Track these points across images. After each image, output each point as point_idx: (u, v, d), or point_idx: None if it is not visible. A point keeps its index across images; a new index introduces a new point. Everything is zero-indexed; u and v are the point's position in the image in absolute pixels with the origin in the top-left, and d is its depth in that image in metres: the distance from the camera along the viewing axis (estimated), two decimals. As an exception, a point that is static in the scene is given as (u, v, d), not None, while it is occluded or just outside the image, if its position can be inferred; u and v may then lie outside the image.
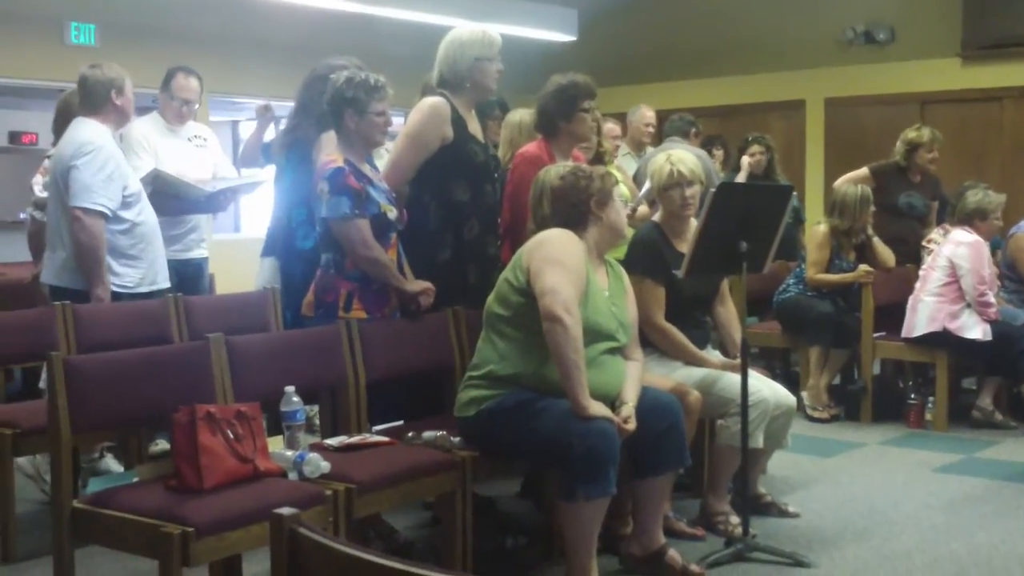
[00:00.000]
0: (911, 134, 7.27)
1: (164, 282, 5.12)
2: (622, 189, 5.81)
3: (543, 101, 4.73)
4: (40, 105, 5.74)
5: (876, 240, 6.85)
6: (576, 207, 3.99)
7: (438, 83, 4.60)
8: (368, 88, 4.15)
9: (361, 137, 4.21)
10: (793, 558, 4.18)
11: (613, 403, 3.86)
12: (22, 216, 7.56)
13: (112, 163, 4.77)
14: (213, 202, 5.65)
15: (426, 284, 4.33)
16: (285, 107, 6.29)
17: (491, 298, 4.00)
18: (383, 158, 5.19)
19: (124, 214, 4.86)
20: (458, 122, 4.52)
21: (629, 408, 3.83)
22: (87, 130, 4.83)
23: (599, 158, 5.31)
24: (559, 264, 3.79)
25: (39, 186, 5.76)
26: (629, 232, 5.40)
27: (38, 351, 4.51)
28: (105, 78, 4.86)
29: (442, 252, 4.53)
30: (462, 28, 4.63)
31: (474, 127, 4.64)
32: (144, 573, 3.87)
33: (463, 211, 4.52)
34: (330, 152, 4.27)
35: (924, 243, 6.98)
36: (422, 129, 4.48)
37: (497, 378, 3.87)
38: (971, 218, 6.53)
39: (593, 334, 3.83)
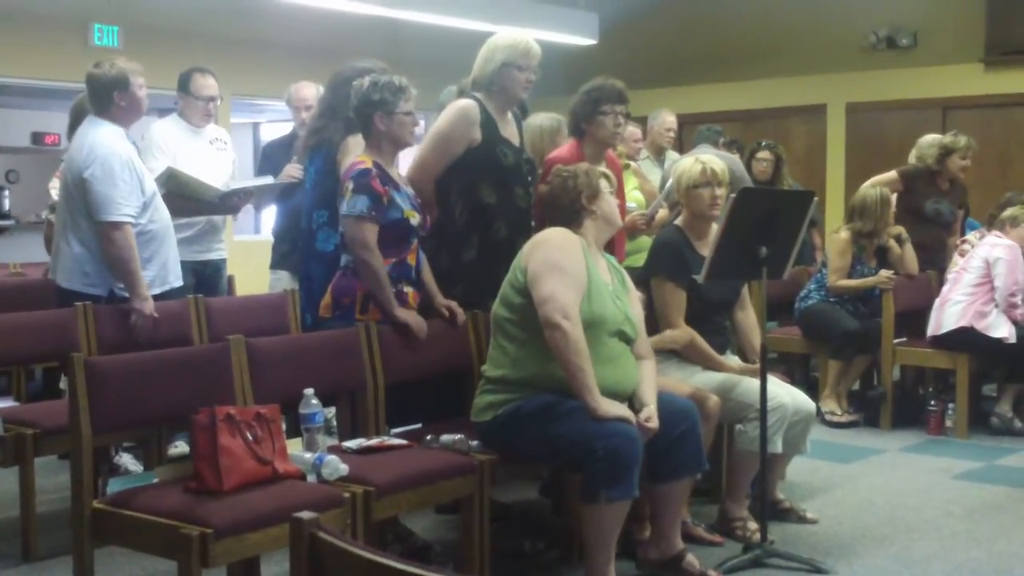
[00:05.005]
0: (946, 139, 7.24)
1: (176, 280, 5.06)
2: (636, 194, 5.84)
3: (573, 103, 4.76)
4: (63, 106, 5.79)
5: (908, 246, 6.85)
6: (569, 207, 4.02)
7: (472, 85, 4.63)
8: (394, 89, 4.18)
9: (391, 139, 4.22)
10: (811, 564, 4.16)
11: (629, 401, 3.87)
12: (43, 216, 7.60)
13: (127, 168, 4.71)
14: (226, 203, 5.65)
15: (415, 318, 4.26)
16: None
17: (496, 303, 4.02)
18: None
19: (137, 219, 4.77)
20: (488, 124, 4.53)
21: (651, 409, 3.84)
22: (97, 133, 4.74)
23: (615, 161, 5.30)
24: (556, 268, 3.81)
25: (56, 190, 5.78)
26: (646, 241, 5.42)
27: (59, 351, 4.55)
28: (107, 78, 4.77)
29: (467, 252, 4.54)
30: (503, 33, 4.65)
31: (509, 130, 4.64)
32: (163, 573, 3.89)
33: (489, 213, 4.53)
34: (358, 155, 4.29)
35: (959, 243, 6.96)
36: (449, 131, 4.51)
37: (511, 382, 3.88)
38: (1003, 224, 6.63)
39: (601, 327, 3.84)
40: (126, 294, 4.77)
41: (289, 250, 5.95)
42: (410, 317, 4.24)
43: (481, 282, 4.52)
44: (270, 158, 6.24)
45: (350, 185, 4.13)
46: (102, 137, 4.74)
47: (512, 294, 3.92)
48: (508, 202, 4.58)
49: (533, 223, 4.66)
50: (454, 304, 4.47)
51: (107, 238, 4.67)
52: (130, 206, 4.71)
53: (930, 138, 7.44)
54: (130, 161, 4.75)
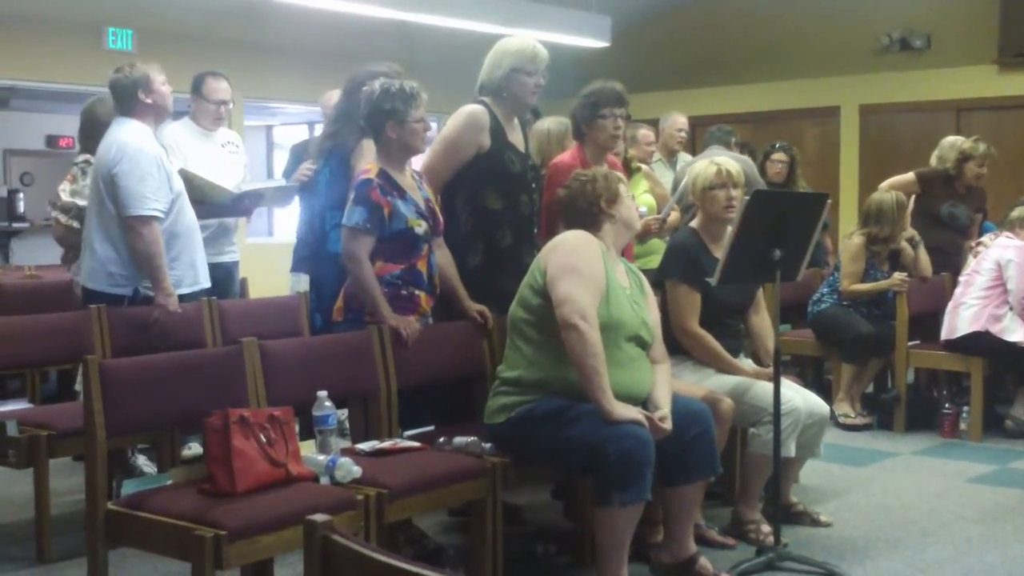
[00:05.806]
0: (966, 145, 7.19)
1: (205, 281, 5.10)
2: (647, 197, 5.83)
3: (573, 107, 4.75)
4: (78, 110, 5.82)
5: (921, 248, 6.83)
6: (588, 210, 4.02)
7: (479, 90, 4.62)
8: (405, 97, 4.16)
9: (401, 146, 4.22)
10: (825, 568, 4.15)
11: (644, 405, 3.87)
12: (50, 212, 7.61)
13: (155, 164, 4.74)
14: (238, 206, 5.65)
15: (407, 321, 4.22)
16: (316, 112, 6.32)
17: (514, 304, 4.02)
18: None
19: (164, 217, 4.80)
20: (496, 130, 4.53)
21: (664, 411, 3.85)
22: (125, 131, 4.79)
23: (625, 165, 5.30)
24: (574, 271, 3.81)
25: (65, 193, 5.80)
26: (657, 243, 5.41)
27: (73, 354, 4.57)
28: (129, 80, 4.82)
29: (472, 258, 4.54)
30: (511, 38, 4.65)
31: (515, 136, 4.64)
32: (177, 575, 3.90)
33: (495, 220, 4.53)
34: (370, 160, 4.29)
35: (972, 244, 6.93)
36: (457, 136, 4.51)
37: (526, 384, 3.88)
38: (1012, 225, 6.57)
39: (617, 330, 3.84)
40: (151, 293, 4.78)
41: (309, 255, 5.94)
42: (401, 323, 4.20)
43: (485, 288, 4.52)
44: (298, 159, 6.20)
45: (352, 195, 4.14)
46: (130, 135, 4.78)
47: (530, 295, 3.92)
48: (513, 209, 4.57)
49: (536, 229, 4.67)
50: (485, 309, 4.47)
51: (134, 232, 4.69)
52: (159, 202, 4.73)
53: (952, 139, 7.40)
54: (159, 159, 4.79)
